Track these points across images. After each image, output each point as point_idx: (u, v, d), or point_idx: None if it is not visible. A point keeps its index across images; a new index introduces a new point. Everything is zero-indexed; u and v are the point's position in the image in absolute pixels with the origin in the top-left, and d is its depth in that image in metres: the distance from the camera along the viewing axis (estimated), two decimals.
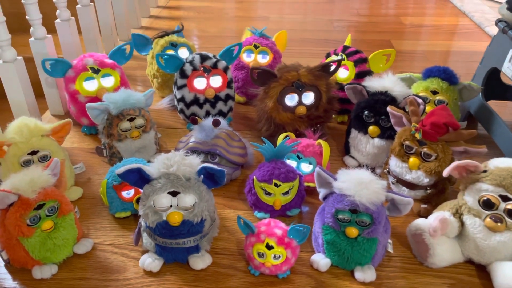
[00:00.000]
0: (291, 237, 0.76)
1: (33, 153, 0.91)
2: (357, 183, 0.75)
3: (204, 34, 1.97)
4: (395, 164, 0.94)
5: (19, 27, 1.40)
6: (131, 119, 1.00)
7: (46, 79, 1.24)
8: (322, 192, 0.82)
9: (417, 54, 1.83)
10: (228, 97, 1.18)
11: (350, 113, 1.08)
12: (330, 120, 1.16)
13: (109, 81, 1.17)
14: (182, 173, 0.74)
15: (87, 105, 0.99)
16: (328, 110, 1.11)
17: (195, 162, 0.77)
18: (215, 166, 0.76)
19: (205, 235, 0.81)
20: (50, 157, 0.93)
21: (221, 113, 1.19)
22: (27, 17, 1.17)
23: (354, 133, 1.06)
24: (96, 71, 1.14)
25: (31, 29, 1.19)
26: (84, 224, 0.91)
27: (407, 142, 0.91)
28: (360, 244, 0.77)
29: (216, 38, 1.88)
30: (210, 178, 0.77)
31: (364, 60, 1.20)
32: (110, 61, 1.17)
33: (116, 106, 0.99)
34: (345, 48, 1.23)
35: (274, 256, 0.76)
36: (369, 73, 1.20)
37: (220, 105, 1.18)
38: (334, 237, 0.79)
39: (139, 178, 0.76)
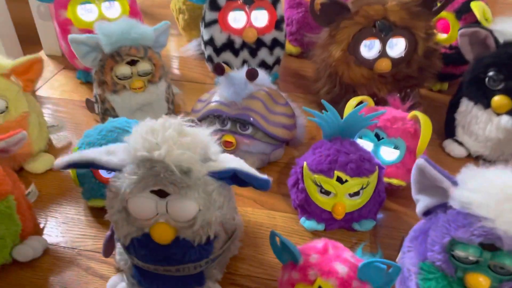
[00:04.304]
0: (363, 279, 0.48)
1: None
2: (502, 198, 0.47)
3: None
4: None
5: None
6: (132, 62, 0.78)
7: (38, 7, 1.05)
8: (423, 202, 0.55)
9: None
10: (276, 43, 0.96)
11: (455, 78, 0.92)
12: (426, 83, 0.91)
13: (113, 10, 0.95)
14: (175, 161, 0.42)
15: (70, 37, 0.76)
16: (425, 68, 0.86)
17: (203, 140, 0.45)
18: (254, 171, 0.46)
19: (216, 258, 0.51)
20: (7, 108, 0.70)
21: (264, 65, 0.98)
22: None
23: (466, 105, 0.81)
24: None
25: None
26: (41, 212, 0.67)
27: None
28: None
29: None
30: (236, 178, 0.47)
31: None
32: None
33: (110, 41, 0.75)
34: None
35: None
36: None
37: (263, 54, 0.96)
38: (442, 286, 0.51)
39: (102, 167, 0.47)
